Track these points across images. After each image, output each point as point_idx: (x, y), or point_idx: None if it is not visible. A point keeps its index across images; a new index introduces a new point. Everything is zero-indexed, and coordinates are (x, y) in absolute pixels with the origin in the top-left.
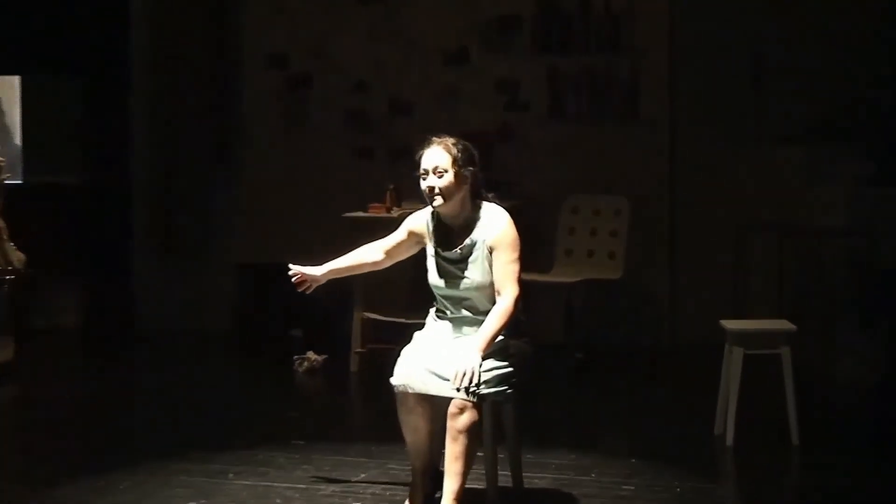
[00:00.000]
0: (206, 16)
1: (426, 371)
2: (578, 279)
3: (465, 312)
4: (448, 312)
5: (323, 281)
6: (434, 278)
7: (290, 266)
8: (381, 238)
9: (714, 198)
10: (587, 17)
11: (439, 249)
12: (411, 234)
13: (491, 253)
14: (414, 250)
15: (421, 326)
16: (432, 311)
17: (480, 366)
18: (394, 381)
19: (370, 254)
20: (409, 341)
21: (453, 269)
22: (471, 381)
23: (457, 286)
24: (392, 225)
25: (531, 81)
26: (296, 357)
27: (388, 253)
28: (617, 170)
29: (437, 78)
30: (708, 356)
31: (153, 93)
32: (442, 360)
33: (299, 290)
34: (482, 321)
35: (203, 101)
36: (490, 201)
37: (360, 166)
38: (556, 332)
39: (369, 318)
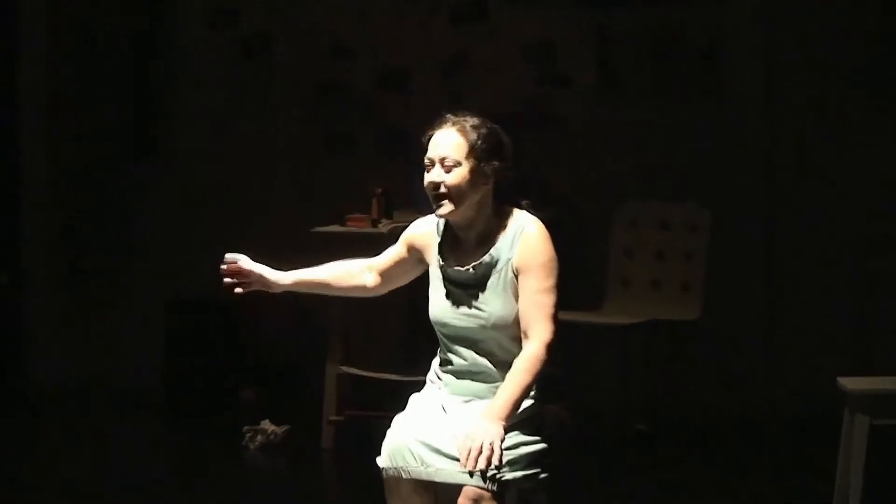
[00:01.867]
0: None
1: (426, 447)
2: (639, 320)
3: (480, 361)
4: (455, 361)
5: (272, 288)
6: (437, 309)
7: (227, 257)
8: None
9: (826, 206)
10: None
11: (446, 267)
12: (412, 249)
13: (518, 277)
14: (416, 272)
15: (419, 386)
16: (435, 363)
17: (502, 440)
18: (382, 461)
19: (359, 273)
20: (402, 406)
21: (464, 296)
22: (489, 462)
23: (468, 322)
24: (380, 243)
25: (572, 45)
26: (246, 428)
27: (384, 275)
28: (691, 167)
29: (443, 40)
30: (820, 427)
31: (51, 62)
32: (448, 432)
33: (225, 287)
34: (504, 376)
35: (121, 72)
36: (522, 208)
37: (336, 162)
38: (608, 393)
39: (348, 375)
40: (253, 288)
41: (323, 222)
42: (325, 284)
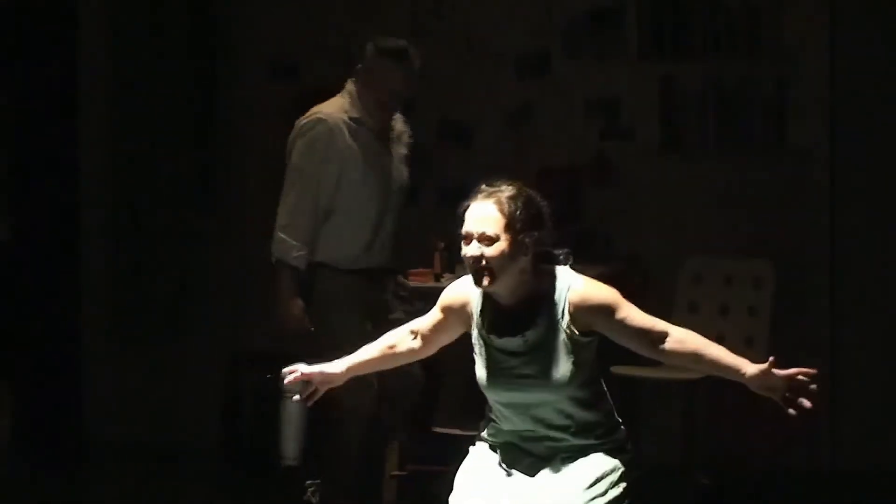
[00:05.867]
0: (184, 8)
1: None
2: (703, 375)
3: (533, 427)
4: (508, 426)
5: (335, 382)
6: (486, 378)
7: (284, 370)
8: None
9: (891, 262)
10: (714, 7)
11: (493, 337)
12: (451, 314)
13: (581, 334)
14: (459, 332)
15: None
16: (488, 423)
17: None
18: None
19: (404, 341)
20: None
21: (515, 363)
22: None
23: (521, 388)
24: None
25: (636, 98)
26: (308, 483)
27: (427, 339)
28: (756, 221)
29: (506, 93)
30: (884, 482)
31: (110, 113)
32: (511, 496)
33: (291, 396)
34: (560, 438)
35: (180, 125)
36: (561, 264)
37: None
38: (671, 448)
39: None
40: (321, 392)
41: None
42: (377, 362)
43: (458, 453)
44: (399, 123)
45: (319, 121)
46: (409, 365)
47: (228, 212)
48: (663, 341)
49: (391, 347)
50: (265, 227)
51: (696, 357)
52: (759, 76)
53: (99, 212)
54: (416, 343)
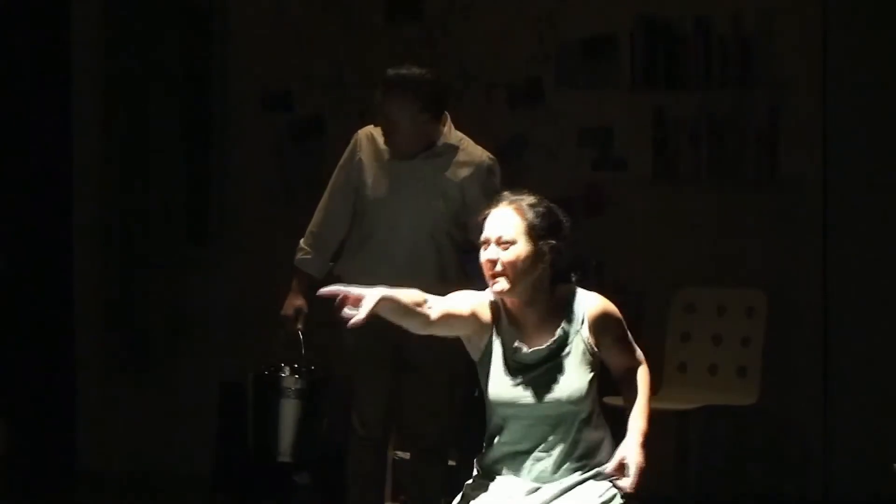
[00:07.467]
0: (177, 39)
1: None
2: (696, 406)
3: (547, 441)
4: (520, 443)
5: (378, 309)
6: (506, 392)
7: (330, 289)
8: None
9: (883, 291)
10: (707, 38)
11: (520, 349)
12: (474, 316)
13: (598, 348)
14: (462, 333)
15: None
16: (492, 449)
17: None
18: None
19: (426, 306)
20: (458, 489)
21: (537, 375)
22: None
23: (542, 400)
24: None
25: (629, 128)
26: None
27: (444, 318)
28: (749, 251)
29: (499, 123)
30: None
31: (102, 145)
32: None
33: (344, 319)
34: (562, 456)
35: (175, 155)
36: (576, 284)
37: None
38: (664, 478)
39: (403, 459)
40: (363, 316)
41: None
42: (401, 309)
43: (451, 483)
44: (470, 155)
45: (357, 133)
46: (432, 404)
47: (222, 242)
48: (632, 373)
49: (417, 302)
50: (259, 256)
51: (639, 386)
52: (751, 106)
53: (92, 242)
54: (435, 315)
